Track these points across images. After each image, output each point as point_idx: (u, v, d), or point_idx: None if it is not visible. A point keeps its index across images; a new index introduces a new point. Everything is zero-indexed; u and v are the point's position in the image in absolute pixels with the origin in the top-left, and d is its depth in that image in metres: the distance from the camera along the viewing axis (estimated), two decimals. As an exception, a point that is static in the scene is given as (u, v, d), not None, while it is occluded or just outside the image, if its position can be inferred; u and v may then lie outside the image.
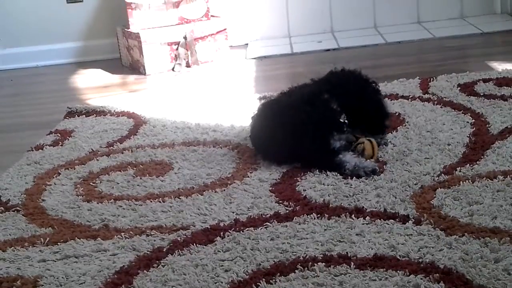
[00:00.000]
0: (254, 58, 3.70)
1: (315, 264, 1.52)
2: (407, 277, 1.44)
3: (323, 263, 1.52)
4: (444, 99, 2.56)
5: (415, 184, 1.88)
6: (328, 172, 2.01)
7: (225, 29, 3.77)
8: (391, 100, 2.61)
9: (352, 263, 1.51)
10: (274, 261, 1.57)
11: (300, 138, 2.04)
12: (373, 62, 3.40)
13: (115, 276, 1.58)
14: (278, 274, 1.51)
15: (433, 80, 2.80)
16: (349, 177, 1.96)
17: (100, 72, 3.80)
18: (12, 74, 4.01)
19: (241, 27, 4.04)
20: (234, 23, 3.99)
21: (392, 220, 1.69)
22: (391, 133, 2.27)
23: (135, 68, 3.71)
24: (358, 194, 1.86)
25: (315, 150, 2.05)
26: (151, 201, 1.97)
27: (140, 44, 3.57)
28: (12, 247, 1.78)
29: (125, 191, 2.08)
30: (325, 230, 1.69)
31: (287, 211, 1.81)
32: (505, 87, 2.62)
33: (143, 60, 3.58)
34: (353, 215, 1.73)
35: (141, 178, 2.16)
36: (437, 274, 1.43)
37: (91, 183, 2.16)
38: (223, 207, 1.88)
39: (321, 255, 1.56)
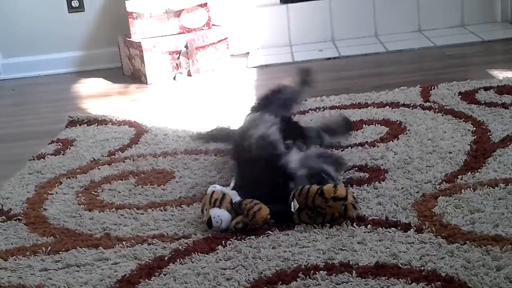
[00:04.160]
0: (255, 67, 3.71)
1: (317, 272, 1.52)
2: (409, 285, 1.44)
3: (325, 272, 1.52)
4: (445, 107, 2.56)
5: (417, 192, 1.88)
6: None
7: (226, 38, 3.78)
8: (392, 109, 2.61)
9: (354, 271, 1.51)
10: (275, 269, 1.56)
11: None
12: (374, 70, 3.41)
13: (117, 285, 1.58)
14: (280, 282, 1.51)
15: (434, 88, 2.80)
16: (349, 185, 1.97)
17: (101, 81, 3.81)
18: (14, 84, 4.02)
19: (242, 36, 4.05)
20: (235, 32, 4.00)
21: (394, 228, 1.69)
22: (393, 141, 2.28)
23: (137, 77, 3.72)
24: (360, 202, 1.85)
25: None
26: (152, 210, 1.97)
27: (142, 53, 3.57)
28: (14, 256, 1.77)
29: (126, 199, 2.08)
30: (326, 238, 1.68)
31: (289, 219, 1.81)
32: (506, 95, 2.62)
33: (145, 69, 3.59)
34: (354, 223, 1.73)
35: (142, 187, 2.16)
36: (439, 282, 1.43)
37: (92, 192, 2.16)
38: (225, 215, 1.88)
39: (323, 264, 1.56)
